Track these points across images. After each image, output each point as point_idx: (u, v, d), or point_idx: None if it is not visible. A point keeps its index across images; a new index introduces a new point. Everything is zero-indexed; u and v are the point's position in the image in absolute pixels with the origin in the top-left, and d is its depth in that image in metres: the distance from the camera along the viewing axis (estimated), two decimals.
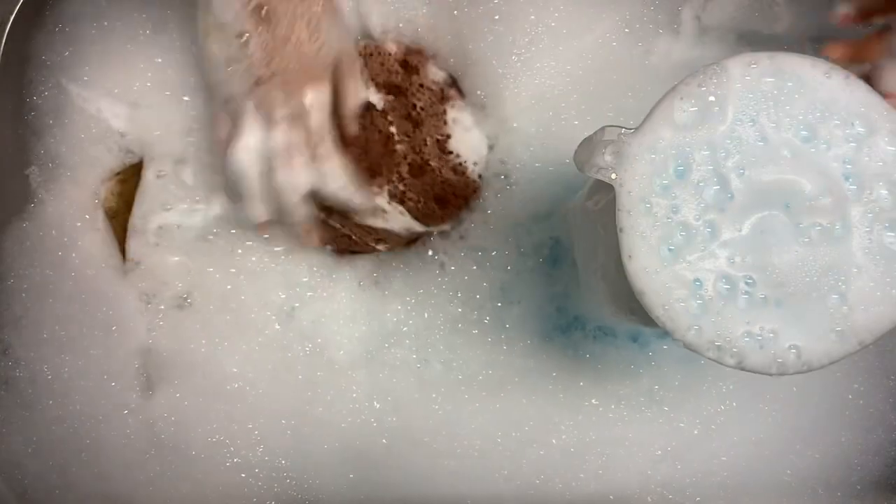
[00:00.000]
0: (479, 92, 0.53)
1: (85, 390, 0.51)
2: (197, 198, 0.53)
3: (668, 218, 0.33)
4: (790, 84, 0.33)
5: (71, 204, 0.52)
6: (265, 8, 0.41)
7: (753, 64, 0.33)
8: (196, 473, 0.51)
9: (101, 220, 0.53)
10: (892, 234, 0.33)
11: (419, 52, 0.53)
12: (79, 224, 0.52)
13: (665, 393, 0.52)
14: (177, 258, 0.53)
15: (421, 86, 0.52)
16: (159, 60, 0.53)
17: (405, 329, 0.53)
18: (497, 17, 0.53)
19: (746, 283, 0.33)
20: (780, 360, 0.32)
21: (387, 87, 0.51)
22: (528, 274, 0.53)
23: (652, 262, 0.33)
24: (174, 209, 0.53)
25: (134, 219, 0.53)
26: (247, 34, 0.42)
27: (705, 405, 0.52)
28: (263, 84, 0.43)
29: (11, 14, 0.50)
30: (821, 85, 0.33)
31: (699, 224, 0.33)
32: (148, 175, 0.53)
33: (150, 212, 0.53)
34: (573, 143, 0.36)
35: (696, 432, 0.52)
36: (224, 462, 0.51)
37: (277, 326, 0.53)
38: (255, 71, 0.43)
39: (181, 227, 0.53)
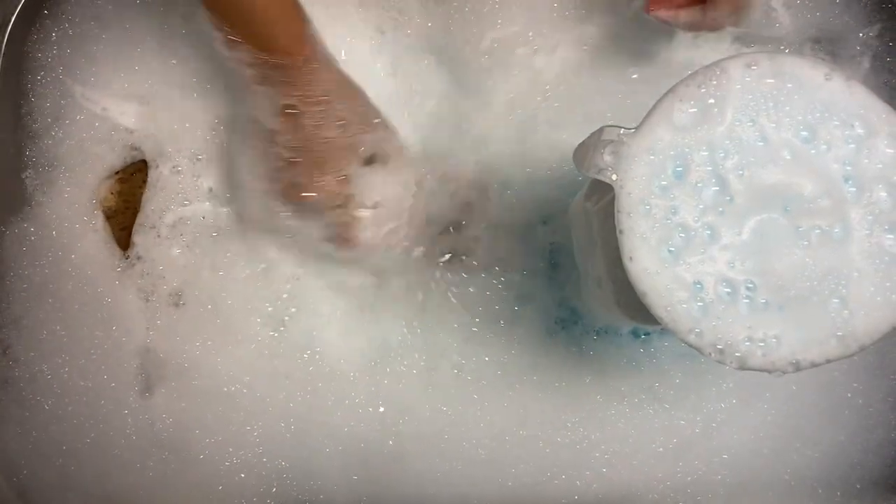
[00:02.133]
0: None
1: (84, 390, 0.51)
2: (214, 193, 0.53)
3: (668, 219, 0.33)
4: (790, 85, 0.33)
5: (70, 204, 0.52)
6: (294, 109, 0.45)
7: (753, 65, 0.33)
8: (195, 474, 0.51)
9: (100, 220, 0.53)
10: (892, 236, 0.33)
11: None
12: (77, 225, 0.52)
13: (666, 390, 0.52)
14: (179, 251, 0.53)
15: None
16: (166, 56, 0.53)
17: (410, 333, 0.53)
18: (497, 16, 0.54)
19: (747, 288, 0.32)
20: (780, 364, 0.32)
21: None
22: (528, 276, 0.53)
23: (653, 264, 0.33)
24: (192, 204, 0.53)
25: (144, 214, 0.53)
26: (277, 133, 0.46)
27: (706, 403, 0.52)
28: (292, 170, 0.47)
29: (13, 15, 0.50)
30: (820, 86, 0.33)
31: (698, 226, 0.33)
32: (163, 171, 0.53)
33: (165, 207, 0.53)
34: (567, 148, 0.36)
35: (696, 430, 0.52)
36: (223, 462, 0.51)
37: (272, 333, 0.52)
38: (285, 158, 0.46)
39: (191, 222, 0.53)
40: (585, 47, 0.54)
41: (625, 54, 0.54)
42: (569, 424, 0.52)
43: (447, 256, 0.53)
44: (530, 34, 0.54)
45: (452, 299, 0.53)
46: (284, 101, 0.45)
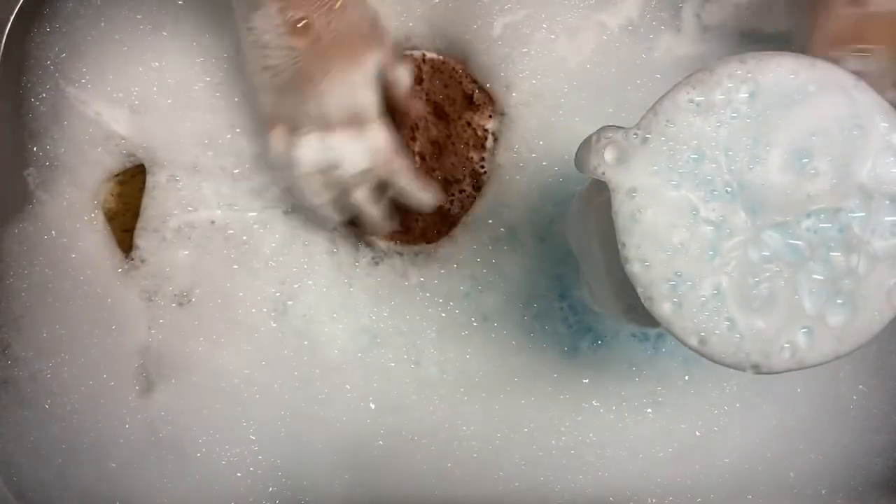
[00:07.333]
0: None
1: (84, 390, 0.51)
2: (224, 200, 0.53)
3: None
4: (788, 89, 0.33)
5: (70, 205, 0.52)
6: (304, 21, 0.43)
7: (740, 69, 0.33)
8: (193, 473, 0.51)
9: (100, 221, 0.53)
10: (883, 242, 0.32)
11: (486, 93, 0.53)
12: (78, 225, 0.52)
13: (667, 394, 0.52)
14: (186, 252, 0.53)
15: (468, 124, 0.52)
16: (156, 64, 0.53)
17: (395, 323, 0.53)
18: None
19: (746, 287, 0.32)
20: (773, 362, 0.32)
21: (435, 107, 0.53)
22: (522, 271, 0.53)
23: None
24: (198, 210, 0.53)
25: (145, 218, 0.53)
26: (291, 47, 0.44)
27: (708, 406, 0.52)
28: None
29: (10, 16, 0.50)
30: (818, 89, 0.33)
31: (699, 228, 0.33)
32: (160, 179, 0.53)
33: (167, 212, 0.53)
34: (571, 141, 0.36)
35: (697, 434, 0.52)
36: (220, 461, 0.51)
37: (273, 324, 0.53)
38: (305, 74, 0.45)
39: (198, 226, 0.53)
40: (605, 36, 0.54)
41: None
42: (562, 428, 0.52)
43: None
44: (543, 15, 0.53)
45: (435, 290, 0.53)
46: (296, 14, 0.43)
